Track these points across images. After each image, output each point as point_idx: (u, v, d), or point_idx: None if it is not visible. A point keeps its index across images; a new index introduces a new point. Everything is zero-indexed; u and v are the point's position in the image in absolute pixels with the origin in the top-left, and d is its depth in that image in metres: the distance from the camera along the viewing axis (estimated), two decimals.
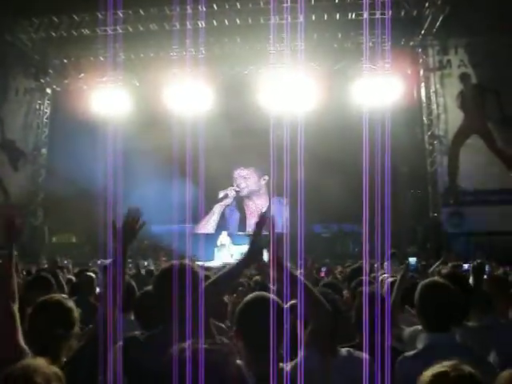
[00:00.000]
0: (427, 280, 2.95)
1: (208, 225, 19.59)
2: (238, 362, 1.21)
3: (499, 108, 16.60)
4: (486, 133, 16.53)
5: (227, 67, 17.58)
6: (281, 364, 2.08)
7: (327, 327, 2.32)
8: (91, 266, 11.26)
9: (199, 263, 10.56)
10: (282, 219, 19.07)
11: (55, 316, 2.56)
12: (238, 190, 19.59)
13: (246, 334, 2.07)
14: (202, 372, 1.10)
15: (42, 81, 19.03)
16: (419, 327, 3.01)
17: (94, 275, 5.22)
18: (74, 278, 6.18)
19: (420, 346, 2.67)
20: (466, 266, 7.33)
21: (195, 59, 16.38)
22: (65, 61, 18.67)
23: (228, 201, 19.64)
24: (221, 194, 19.52)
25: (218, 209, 19.71)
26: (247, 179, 19.73)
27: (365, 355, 2.44)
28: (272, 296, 2.13)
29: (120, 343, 2.18)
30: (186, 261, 2.35)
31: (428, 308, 2.72)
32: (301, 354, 2.28)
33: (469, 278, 3.52)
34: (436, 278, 3.31)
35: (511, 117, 16.42)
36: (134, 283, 4.17)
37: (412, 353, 2.65)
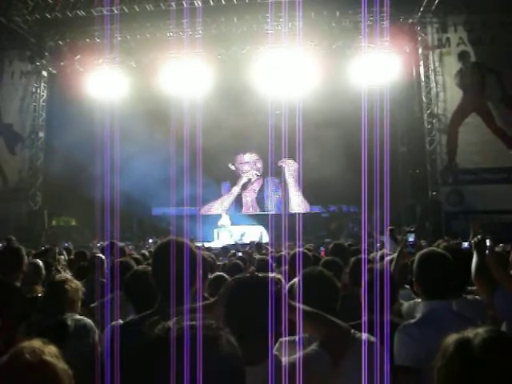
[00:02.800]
0: (425, 250, 2.99)
1: (222, 206, 19.73)
2: (228, 336, 1.19)
3: (498, 86, 16.49)
4: (484, 111, 16.45)
5: (224, 47, 17.43)
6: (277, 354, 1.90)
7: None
8: (91, 247, 11.33)
9: (199, 244, 10.61)
10: (278, 199, 19.24)
11: None
12: (258, 173, 19.78)
13: (232, 319, 1.86)
14: (188, 349, 1.08)
15: (38, 63, 18.86)
16: (418, 300, 3.04)
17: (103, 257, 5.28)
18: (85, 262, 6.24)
19: (418, 314, 2.72)
20: (465, 244, 7.33)
21: (192, 39, 16.24)
22: (60, 43, 18.48)
23: (248, 185, 19.82)
24: (244, 179, 19.72)
25: (236, 191, 19.84)
26: (258, 162, 19.87)
27: (364, 336, 2.43)
28: (270, 277, 1.94)
29: (116, 324, 2.20)
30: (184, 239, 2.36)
31: (425, 276, 2.76)
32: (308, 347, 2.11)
33: (470, 255, 3.52)
34: (433, 248, 3.33)
35: (510, 95, 16.34)
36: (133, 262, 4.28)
37: (412, 321, 2.70)
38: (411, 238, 4.01)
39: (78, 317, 3.35)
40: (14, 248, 4.38)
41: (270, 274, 2.06)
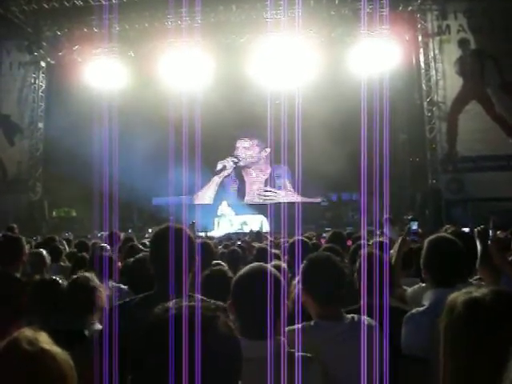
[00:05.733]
0: (434, 235, 2.94)
1: (206, 195, 19.62)
2: (226, 318, 1.20)
3: (498, 73, 16.43)
4: (484, 99, 16.39)
5: (223, 36, 17.33)
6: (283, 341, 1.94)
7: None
8: (90, 238, 11.32)
9: (200, 233, 10.61)
10: (282, 185, 19.24)
11: None
12: (236, 160, 19.53)
13: (238, 309, 1.94)
14: (186, 329, 1.08)
15: (36, 54, 18.73)
16: (422, 285, 3.01)
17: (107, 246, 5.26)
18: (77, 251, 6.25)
19: (426, 302, 2.66)
20: (465, 230, 7.37)
21: (191, 28, 16.14)
22: (58, 33, 18.36)
23: (227, 171, 19.58)
24: (219, 166, 19.47)
25: (216, 180, 19.69)
26: (247, 150, 19.68)
27: (363, 318, 2.44)
28: (270, 268, 2.01)
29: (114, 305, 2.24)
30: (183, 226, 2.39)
31: (434, 262, 2.71)
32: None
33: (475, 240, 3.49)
34: (443, 234, 3.28)
35: (510, 82, 16.28)
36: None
37: (421, 309, 2.64)
38: (414, 226, 3.97)
39: (100, 327, 3.00)
40: (14, 237, 4.23)
41: (272, 262, 2.10)
